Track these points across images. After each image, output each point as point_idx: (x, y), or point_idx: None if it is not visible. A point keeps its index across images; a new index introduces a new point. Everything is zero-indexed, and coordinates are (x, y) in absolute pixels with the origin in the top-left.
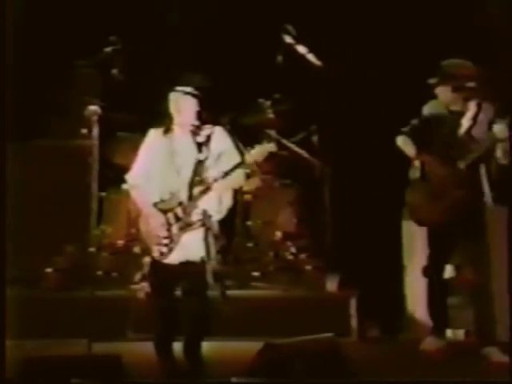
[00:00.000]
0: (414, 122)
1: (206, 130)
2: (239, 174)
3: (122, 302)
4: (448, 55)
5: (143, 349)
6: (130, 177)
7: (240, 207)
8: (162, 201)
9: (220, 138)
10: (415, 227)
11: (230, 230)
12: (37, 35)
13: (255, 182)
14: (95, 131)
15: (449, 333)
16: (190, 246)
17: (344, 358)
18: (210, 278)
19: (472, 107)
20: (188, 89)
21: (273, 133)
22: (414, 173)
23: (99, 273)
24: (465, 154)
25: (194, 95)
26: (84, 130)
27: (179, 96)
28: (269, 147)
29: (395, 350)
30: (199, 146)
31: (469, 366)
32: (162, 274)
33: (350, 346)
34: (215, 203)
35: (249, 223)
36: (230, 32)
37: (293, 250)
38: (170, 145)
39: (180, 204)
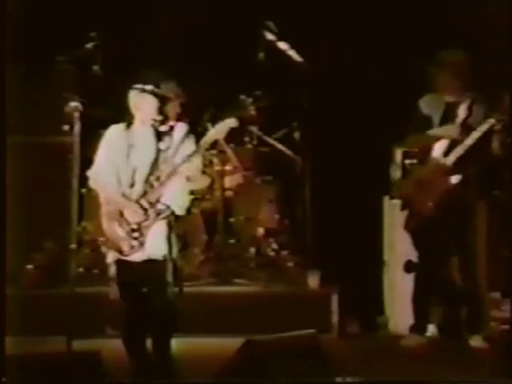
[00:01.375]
0: (413, 114)
1: (168, 123)
2: (198, 160)
3: (102, 299)
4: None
5: (123, 345)
6: (91, 174)
7: (221, 204)
8: (124, 195)
9: (182, 130)
10: (397, 223)
11: (212, 227)
12: (16, 30)
13: (237, 179)
14: (76, 128)
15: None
16: (153, 245)
17: (324, 354)
18: (169, 277)
19: (467, 99)
20: (146, 87)
21: (254, 129)
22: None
23: (80, 269)
24: (460, 142)
25: (152, 93)
26: (65, 127)
27: (137, 94)
28: (230, 122)
29: (375, 346)
30: (161, 135)
31: (450, 361)
32: (127, 272)
33: (331, 343)
34: (174, 198)
35: (230, 220)
36: (211, 29)
37: (274, 246)
38: (128, 139)
39: (143, 196)
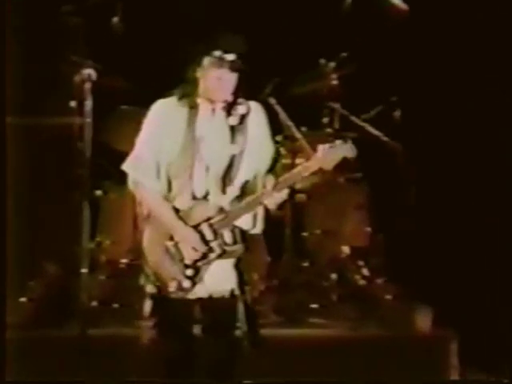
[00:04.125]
0: None
1: (240, 107)
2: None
3: (123, 344)
4: None
5: None
6: (129, 167)
7: (290, 212)
8: (181, 210)
9: (257, 120)
10: None
11: (277, 244)
12: None
13: (311, 177)
14: (88, 104)
15: None
16: (216, 277)
17: None
18: (239, 317)
19: None
20: (230, 56)
21: (337, 106)
22: None
23: (93, 303)
24: None
25: (235, 67)
26: (73, 103)
27: (217, 64)
28: (344, 150)
29: None
30: (232, 131)
31: None
32: (171, 311)
33: None
34: (249, 218)
35: (303, 234)
36: None
37: (365, 271)
38: (192, 126)
39: (208, 219)
